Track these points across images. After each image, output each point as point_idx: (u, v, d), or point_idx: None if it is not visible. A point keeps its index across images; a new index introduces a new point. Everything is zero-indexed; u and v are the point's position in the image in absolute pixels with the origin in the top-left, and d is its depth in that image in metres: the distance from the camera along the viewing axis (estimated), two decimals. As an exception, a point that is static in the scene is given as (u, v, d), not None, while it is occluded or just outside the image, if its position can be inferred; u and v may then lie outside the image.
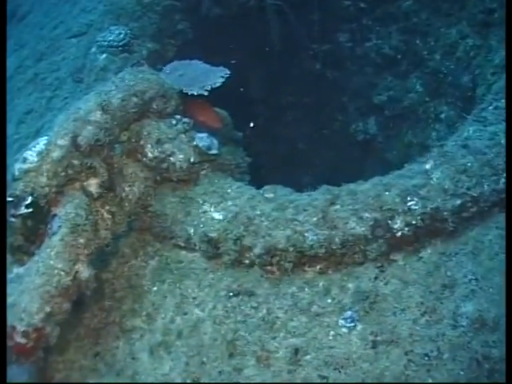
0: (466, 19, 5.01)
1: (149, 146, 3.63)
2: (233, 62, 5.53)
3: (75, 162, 3.34)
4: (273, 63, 6.02)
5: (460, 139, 3.51)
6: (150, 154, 3.63)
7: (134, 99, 3.56)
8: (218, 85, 3.79)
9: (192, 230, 3.59)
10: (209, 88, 3.77)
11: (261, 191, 3.66)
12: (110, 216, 3.60)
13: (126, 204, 3.65)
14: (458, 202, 3.28)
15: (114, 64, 4.78)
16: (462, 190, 3.29)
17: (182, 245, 3.69)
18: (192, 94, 3.81)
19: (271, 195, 3.61)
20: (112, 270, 3.76)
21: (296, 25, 5.63)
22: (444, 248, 3.31)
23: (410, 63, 5.65)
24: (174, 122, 3.70)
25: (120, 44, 4.80)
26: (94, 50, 4.92)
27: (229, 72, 3.87)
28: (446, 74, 5.15)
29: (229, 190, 3.70)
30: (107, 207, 3.61)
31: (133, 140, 3.61)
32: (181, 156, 3.64)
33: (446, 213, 3.26)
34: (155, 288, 3.67)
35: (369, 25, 5.95)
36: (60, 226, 3.26)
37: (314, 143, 6.59)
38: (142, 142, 3.62)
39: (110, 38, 4.75)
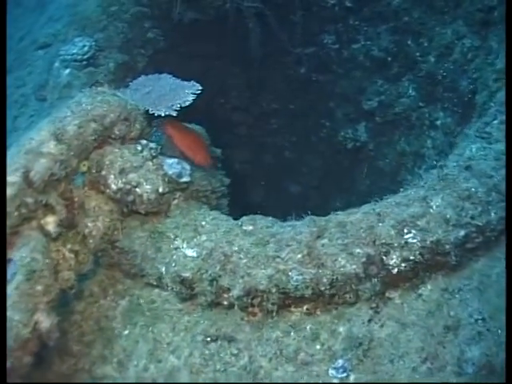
0: (462, 18, 4.62)
1: (112, 176, 3.23)
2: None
3: (29, 200, 2.95)
4: (254, 69, 5.62)
5: (462, 159, 3.14)
6: (113, 186, 3.24)
7: (93, 125, 3.16)
8: (187, 103, 3.38)
9: (163, 269, 3.26)
10: (177, 107, 3.37)
11: (239, 223, 3.29)
12: (72, 255, 3.23)
13: (91, 241, 3.29)
14: (462, 233, 2.93)
15: (79, 80, 4.38)
16: (465, 219, 2.94)
17: (154, 283, 3.31)
18: (160, 115, 3.39)
19: (250, 228, 3.25)
20: (80, 310, 3.42)
21: (277, 28, 5.22)
22: (446, 283, 2.99)
23: (402, 66, 5.26)
24: (139, 147, 3.31)
25: (84, 57, 4.39)
26: (57, 64, 4.50)
27: (200, 88, 3.46)
28: (442, 77, 4.74)
29: (203, 223, 3.34)
30: (69, 246, 3.26)
31: (93, 171, 3.20)
32: (148, 187, 3.25)
33: (448, 246, 2.92)
34: (126, 331, 3.35)
35: (356, 25, 5.54)
36: (15, 273, 2.90)
37: (301, 151, 6.21)
38: (103, 173, 3.23)
39: (74, 51, 4.34)
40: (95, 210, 3.33)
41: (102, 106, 3.24)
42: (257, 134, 6.25)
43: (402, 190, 3.24)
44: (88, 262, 3.33)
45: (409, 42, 5.17)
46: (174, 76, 3.78)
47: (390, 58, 5.39)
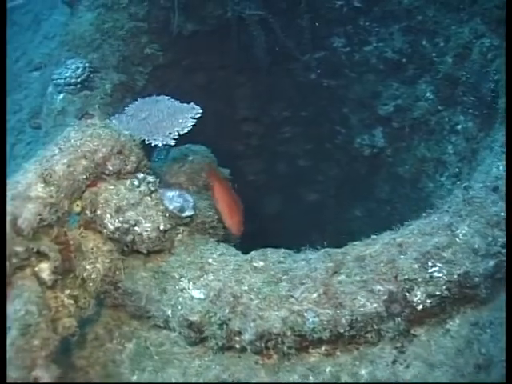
0: (479, 15, 4.28)
1: (108, 216, 3.00)
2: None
3: (19, 249, 2.72)
4: (261, 77, 5.34)
5: (489, 179, 2.83)
6: (110, 226, 3.00)
7: (83, 162, 2.93)
8: (186, 130, 3.13)
9: (170, 312, 3.04)
10: (176, 136, 3.12)
11: (248, 258, 3.04)
12: (71, 301, 2.99)
13: (91, 284, 3.05)
14: (492, 263, 2.67)
15: (73, 105, 4.14)
16: (495, 248, 2.66)
17: (162, 325, 3.09)
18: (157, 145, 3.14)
19: (261, 264, 3.01)
20: (85, 355, 3.21)
21: (282, 36, 4.94)
22: (476, 317, 2.73)
23: (418, 68, 4.94)
24: (135, 182, 3.07)
25: (78, 80, 4.15)
26: (50, 89, 4.26)
27: (200, 111, 3.20)
28: (461, 79, 4.42)
29: (210, 260, 3.10)
30: (67, 291, 3.05)
31: (87, 211, 2.96)
32: (148, 225, 3.02)
33: (477, 278, 2.62)
34: (135, 377, 3.14)
35: (366, 26, 5.22)
36: (9, 328, 2.71)
37: (316, 159, 5.92)
38: (99, 212, 3.00)
39: (67, 75, 4.10)
40: (93, 251, 3.10)
41: (92, 140, 3.00)
42: (269, 143, 5.99)
43: (424, 214, 2.94)
44: (90, 307, 3.11)
45: (424, 42, 4.85)
46: (172, 98, 3.52)
47: (404, 60, 5.08)
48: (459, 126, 4.50)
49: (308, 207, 6.32)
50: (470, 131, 4.35)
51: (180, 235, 3.23)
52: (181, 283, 3.06)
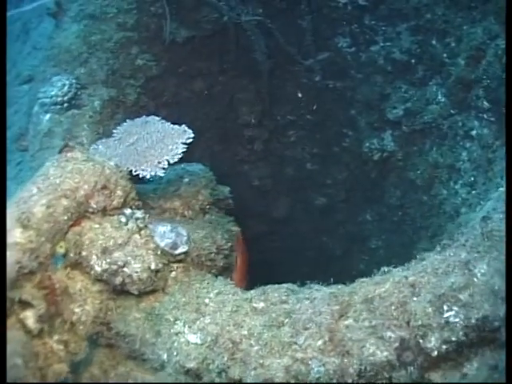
0: (493, 14, 3.96)
1: (94, 257, 2.79)
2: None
3: (0, 299, 2.52)
4: (263, 81, 5.06)
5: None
6: (97, 268, 2.79)
7: (64, 202, 2.71)
8: (176, 158, 2.90)
9: (165, 356, 2.84)
10: (166, 165, 2.88)
11: (248, 297, 2.82)
12: (61, 346, 2.80)
13: (81, 327, 2.85)
14: (514, 305, 2.37)
15: (60, 126, 3.90)
16: (517, 288, 2.37)
17: (158, 368, 2.90)
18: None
19: (261, 304, 2.78)
20: (82, 398, 2.99)
21: (281, 39, 4.65)
22: (495, 359, 2.47)
23: (428, 69, 4.63)
24: (123, 219, 2.84)
25: (65, 99, 3.90)
26: (36, 109, 4.01)
27: (192, 134, 2.97)
28: (474, 83, 4.11)
29: (206, 300, 2.89)
30: (56, 337, 2.86)
31: (72, 253, 2.75)
32: (137, 265, 2.80)
33: (497, 323, 2.36)
34: (133, 420, 2.96)
35: (372, 25, 4.91)
36: (-2, 380, 2.53)
37: (324, 163, 5.66)
38: (84, 254, 2.78)
39: (53, 93, 3.86)
40: (82, 292, 2.90)
41: (72, 177, 2.77)
42: (274, 147, 5.73)
43: (438, 247, 2.68)
44: (82, 350, 2.91)
45: (433, 42, 4.53)
46: (162, 119, 3.27)
47: (413, 61, 4.76)
48: (473, 132, 4.21)
49: (317, 211, 6.07)
50: (485, 138, 4.06)
51: (174, 272, 3.01)
52: (176, 326, 2.86)
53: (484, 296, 2.42)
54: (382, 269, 2.99)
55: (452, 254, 2.59)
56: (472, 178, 4.15)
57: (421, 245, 5.00)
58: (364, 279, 2.74)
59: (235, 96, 5.29)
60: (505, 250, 2.44)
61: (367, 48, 4.96)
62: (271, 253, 6.34)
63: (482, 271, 2.46)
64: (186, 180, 3.63)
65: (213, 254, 3.21)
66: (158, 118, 3.32)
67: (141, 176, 2.95)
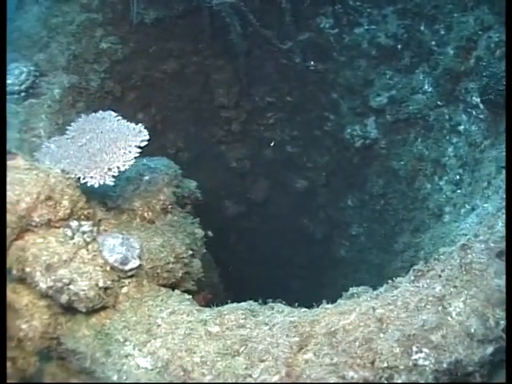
0: (487, 3, 3.63)
1: (38, 273, 2.55)
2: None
3: None
4: (240, 63, 4.74)
5: (493, 238, 2.32)
6: (42, 284, 2.56)
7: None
8: (127, 166, 2.62)
9: (115, 378, 2.63)
10: (116, 173, 2.61)
11: (203, 318, 2.58)
12: (9, 363, 2.71)
13: (29, 343, 2.70)
14: (490, 349, 2.17)
15: (17, 117, 3.57)
16: (496, 331, 2.15)
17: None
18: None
19: (216, 328, 2.55)
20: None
21: (256, 24, 4.31)
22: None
23: (415, 56, 4.30)
24: (69, 233, 2.59)
25: (22, 88, 3.57)
26: (-9, 99, 3.67)
27: (147, 137, 2.69)
28: (463, 75, 3.81)
29: (158, 320, 2.67)
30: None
31: (14, 270, 2.51)
32: (84, 283, 2.57)
33: (471, 368, 2.14)
34: None
35: (357, 6, 4.55)
36: None
37: (305, 146, 5.38)
38: (28, 270, 2.54)
39: (9, 82, 3.53)
40: (28, 308, 2.71)
41: (13, 189, 2.50)
42: (252, 129, 5.43)
43: (412, 273, 2.44)
44: (31, 365, 2.78)
45: (422, 28, 4.20)
46: (119, 116, 2.99)
47: (399, 46, 4.43)
48: (461, 127, 3.93)
49: (298, 194, 5.83)
50: (473, 136, 3.79)
51: (126, 288, 2.77)
52: (126, 348, 2.66)
53: (458, 338, 2.20)
54: (351, 290, 2.78)
55: (426, 286, 2.36)
56: (458, 177, 3.90)
57: (402, 238, 4.80)
58: (328, 306, 2.52)
59: (211, 77, 4.95)
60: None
61: (351, 30, 4.62)
62: (250, 235, 6.14)
63: (458, 310, 2.24)
64: (147, 178, 3.36)
65: (170, 265, 2.97)
66: (114, 115, 3.03)
67: (88, 185, 2.67)
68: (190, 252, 3.15)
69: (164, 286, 2.95)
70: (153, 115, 4.73)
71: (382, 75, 4.57)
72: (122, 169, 2.68)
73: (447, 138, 4.08)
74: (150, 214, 3.26)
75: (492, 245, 2.32)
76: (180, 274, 3.05)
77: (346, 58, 4.75)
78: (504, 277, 2.16)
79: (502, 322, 2.16)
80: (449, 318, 2.22)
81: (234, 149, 5.64)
